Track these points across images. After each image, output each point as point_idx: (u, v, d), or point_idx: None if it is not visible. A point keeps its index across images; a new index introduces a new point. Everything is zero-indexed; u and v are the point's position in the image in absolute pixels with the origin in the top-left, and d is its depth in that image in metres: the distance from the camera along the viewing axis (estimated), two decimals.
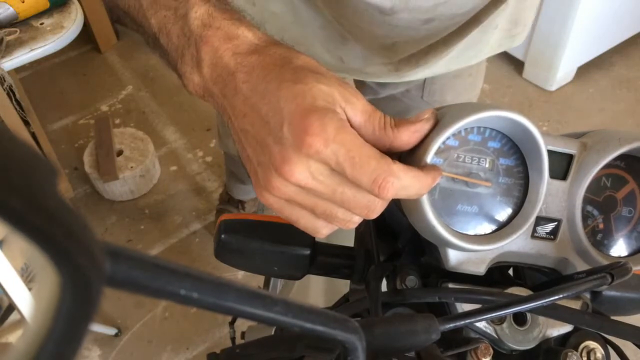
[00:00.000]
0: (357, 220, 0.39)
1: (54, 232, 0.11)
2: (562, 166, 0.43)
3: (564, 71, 2.14)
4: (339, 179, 0.36)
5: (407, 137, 0.38)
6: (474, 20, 0.71)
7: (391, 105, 1.01)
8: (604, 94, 2.21)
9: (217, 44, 0.40)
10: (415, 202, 0.39)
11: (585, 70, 2.22)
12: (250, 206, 1.71)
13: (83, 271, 0.12)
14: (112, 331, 1.53)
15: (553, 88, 2.19)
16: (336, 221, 0.39)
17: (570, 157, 0.42)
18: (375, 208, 0.37)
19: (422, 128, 0.38)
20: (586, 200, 0.43)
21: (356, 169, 0.35)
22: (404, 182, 0.36)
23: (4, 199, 0.10)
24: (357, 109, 0.37)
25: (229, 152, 1.44)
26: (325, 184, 0.36)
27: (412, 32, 0.70)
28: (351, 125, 0.37)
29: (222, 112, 0.42)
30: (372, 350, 0.33)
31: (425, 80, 0.93)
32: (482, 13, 0.70)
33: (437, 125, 0.38)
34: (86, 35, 2.25)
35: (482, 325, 0.42)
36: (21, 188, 0.10)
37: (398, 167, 0.36)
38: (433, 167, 0.38)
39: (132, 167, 1.78)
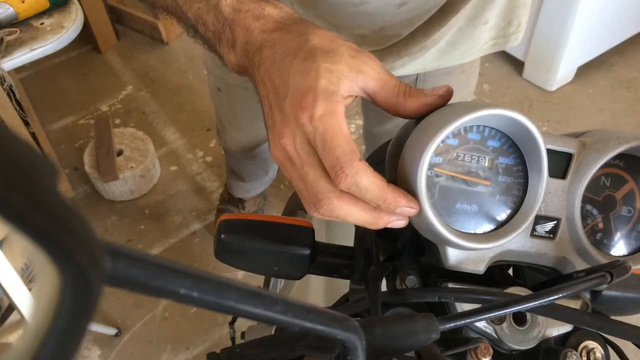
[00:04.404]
0: (319, 210, 0.40)
1: (54, 231, 0.11)
2: (561, 165, 0.43)
3: (564, 71, 2.14)
4: (311, 159, 0.39)
5: (416, 107, 0.41)
6: (450, 6, 0.72)
7: None
8: (604, 94, 2.21)
9: (247, 25, 0.45)
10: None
11: (585, 70, 2.22)
12: (250, 205, 1.71)
13: (83, 270, 0.12)
14: (112, 331, 1.53)
15: (553, 88, 2.19)
16: (303, 200, 0.41)
17: (569, 156, 0.42)
18: (322, 201, 0.39)
19: (433, 102, 0.41)
20: (585, 200, 0.43)
21: (325, 150, 0.38)
22: (360, 181, 0.37)
23: (5, 197, 0.10)
24: (370, 77, 0.41)
25: (229, 148, 1.45)
26: (300, 158, 0.40)
27: (389, 17, 0.71)
28: (366, 92, 0.41)
29: (253, 82, 0.46)
30: (372, 349, 0.33)
31: (417, 77, 0.93)
32: None
33: (436, 123, 0.38)
34: (86, 35, 2.25)
35: (481, 325, 0.42)
36: (22, 187, 0.10)
37: (362, 164, 0.38)
38: (407, 199, 0.38)
39: (132, 167, 1.78)
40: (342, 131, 0.38)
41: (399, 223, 0.40)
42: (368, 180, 0.38)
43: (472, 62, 0.94)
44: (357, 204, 0.39)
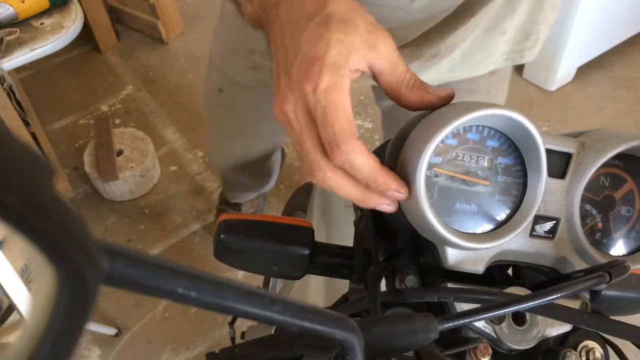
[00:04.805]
0: (312, 179, 0.41)
1: (50, 231, 0.11)
2: (560, 165, 0.43)
3: (564, 71, 2.14)
4: (310, 129, 0.39)
5: (415, 101, 0.41)
6: (466, 9, 0.70)
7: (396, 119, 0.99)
8: (604, 94, 2.21)
9: None
10: (414, 201, 0.39)
11: (585, 70, 2.22)
12: (247, 207, 1.71)
13: (79, 270, 0.12)
14: (112, 331, 1.53)
15: (553, 88, 2.19)
16: (301, 162, 0.42)
17: (568, 156, 0.42)
18: (316, 171, 0.40)
19: (432, 101, 0.41)
20: (585, 200, 0.43)
21: (324, 123, 0.38)
22: (354, 159, 0.38)
23: (1, 197, 0.10)
24: (381, 56, 0.40)
25: (220, 166, 1.46)
26: (300, 125, 0.40)
27: (401, 12, 0.69)
28: (373, 70, 0.41)
29: (266, 37, 0.46)
30: (370, 349, 0.33)
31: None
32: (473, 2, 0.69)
33: (436, 123, 0.38)
34: (86, 35, 2.25)
35: (481, 324, 0.42)
36: (18, 187, 0.10)
37: (358, 144, 0.38)
38: (397, 183, 0.39)
39: (132, 167, 1.78)
40: (343, 107, 0.38)
41: (388, 208, 0.41)
42: (362, 160, 0.38)
43: (498, 83, 0.91)
44: (349, 180, 0.40)
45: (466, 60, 0.79)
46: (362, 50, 0.39)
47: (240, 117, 1.18)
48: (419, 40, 0.75)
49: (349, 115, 0.38)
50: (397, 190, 0.39)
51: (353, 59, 0.39)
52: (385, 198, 0.40)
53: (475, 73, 0.84)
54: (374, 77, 0.42)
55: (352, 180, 0.40)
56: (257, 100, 1.09)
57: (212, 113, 1.24)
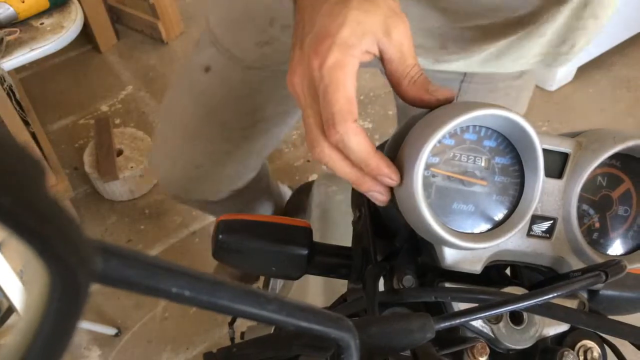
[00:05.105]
0: (312, 153, 0.41)
1: (42, 230, 0.11)
2: (557, 165, 0.43)
3: (564, 71, 2.14)
4: (314, 104, 0.40)
5: (413, 97, 0.41)
6: (531, 17, 0.66)
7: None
8: (604, 94, 2.21)
9: None
10: (412, 201, 0.39)
11: (585, 70, 2.22)
12: None
13: (71, 269, 0.12)
14: (112, 331, 1.53)
15: (553, 88, 2.19)
16: (305, 135, 0.42)
17: (565, 156, 0.43)
18: (316, 147, 0.40)
19: (429, 101, 0.41)
20: (582, 199, 0.43)
21: (324, 101, 0.38)
22: (348, 141, 0.38)
23: None
24: (393, 43, 0.40)
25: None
26: (305, 100, 0.40)
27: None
28: (382, 56, 0.41)
29: (294, 5, 0.45)
30: (367, 348, 0.33)
31: (464, 76, 0.83)
32: (543, 9, 0.65)
33: (433, 124, 0.38)
34: (86, 35, 2.25)
35: (478, 324, 0.42)
36: (9, 187, 0.11)
37: (354, 126, 0.38)
38: (389, 169, 0.39)
39: (132, 167, 1.78)
40: (346, 87, 0.38)
41: (380, 197, 0.41)
42: (356, 142, 0.38)
43: (520, 88, 0.87)
44: (345, 160, 0.40)
45: (500, 56, 0.75)
46: (377, 34, 0.39)
47: (217, 105, 0.89)
48: (476, 32, 0.70)
49: (350, 96, 0.38)
50: (389, 176, 0.39)
51: (366, 41, 0.39)
52: (378, 185, 0.40)
53: (505, 69, 0.80)
54: (382, 62, 0.42)
55: (348, 160, 0.40)
56: (248, 87, 0.87)
57: (182, 106, 0.93)
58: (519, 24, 0.68)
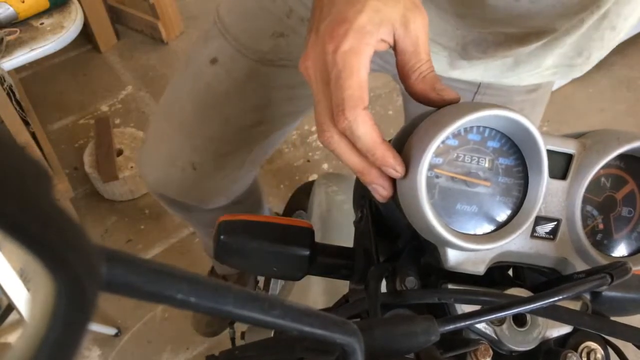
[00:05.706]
0: (320, 138, 0.41)
1: (48, 240, 0.11)
2: (561, 166, 0.42)
3: None
4: (325, 89, 0.39)
5: (419, 93, 0.41)
6: (552, 28, 0.65)
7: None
8: (604, 94, 2.21)
9: None
10: (414, 200, 0.38)
11: None
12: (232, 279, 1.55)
13: (78, 278, 0.12)
14: (112, 331, 1.52)
15: (553, 88, 2.19)
16: (315, 120, 0.41)
17: (569, 157, 0.42)
18: (325, 132, 0.40)
19: (434, 99, 0.41)
20: (586, 200, 0.43)
21: (336, 86, 0.38)
22: (356, 128, 0.38)
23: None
24: (409, 36, 0.40)
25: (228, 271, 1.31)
26: (317, 84, 0.40)
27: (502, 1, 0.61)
28: (396, 46, 0.40)
29: None
30: (371, 352, 0.32)
31: (479, 85, 0.81)
32: (573, 15, 0.63)
33: (437, 124, 0.38)
34: (86, 35, 2.25)
35: (481, 326, 0.41)
36: (15, 195, 0.10)
37: (364, 114, 0.38)
38: (394, 160, 0.39)
39: (132, 167, 1.78)
40: (359, 74, 0.38)
41: (382, 191, 0.41)
42: (363, 130, 0.38)
43: (534, 102, 0.85)
44: (352, 149, 0.40)
45: (516, 66, 0.73)
46: (395, 25, 0.39)
47: (221, 99, 0.85)
48: (498, 37, 0.68)
49: (362, 84, 0.38)
50: (394, 167, 0.39)
51: (383, 30, 0.39)
52: (382, 178, 0.40)
53: (519, 81, 0.78)
54: (395, 52, 0.42)
55: (356, 149, 0.40)
56: (254, 81, 0.83)
57: (183, 100, 0.88)
58: (539, 34, 0.67)
